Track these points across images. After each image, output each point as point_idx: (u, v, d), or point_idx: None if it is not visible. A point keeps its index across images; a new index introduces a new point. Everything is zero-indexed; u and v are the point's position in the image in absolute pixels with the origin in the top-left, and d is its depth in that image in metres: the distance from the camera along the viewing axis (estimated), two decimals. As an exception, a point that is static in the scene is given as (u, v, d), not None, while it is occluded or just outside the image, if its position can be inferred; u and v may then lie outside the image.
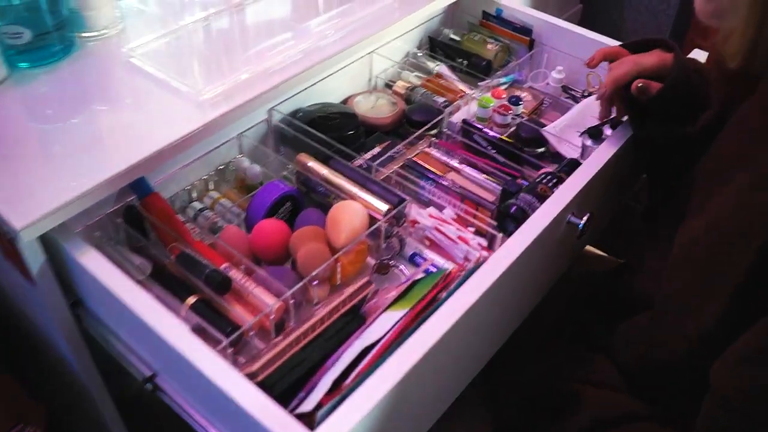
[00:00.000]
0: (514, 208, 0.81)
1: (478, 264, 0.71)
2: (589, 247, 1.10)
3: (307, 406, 0.60)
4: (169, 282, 0.77)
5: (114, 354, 0.76)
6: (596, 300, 0.94)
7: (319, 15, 0.99)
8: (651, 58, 0.83)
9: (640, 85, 0.81)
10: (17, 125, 0.81)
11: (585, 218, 0.80)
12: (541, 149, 1.00)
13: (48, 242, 0.72)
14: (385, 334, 0.66)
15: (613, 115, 0.91)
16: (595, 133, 0.93)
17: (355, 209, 0.83)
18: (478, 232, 0.88)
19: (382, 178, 0.93)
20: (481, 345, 0.80)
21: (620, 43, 0.95)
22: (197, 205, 0.89)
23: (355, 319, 0.72)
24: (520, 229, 0.74)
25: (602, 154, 0.85)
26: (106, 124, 0.81)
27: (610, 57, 0.89)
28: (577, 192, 0.79)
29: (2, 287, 0.90)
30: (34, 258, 0.72)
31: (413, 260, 0.88)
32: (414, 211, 0.90)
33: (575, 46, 1.13)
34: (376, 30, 0.98)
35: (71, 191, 0.70)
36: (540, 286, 0.89)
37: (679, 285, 0.72)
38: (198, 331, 0.72)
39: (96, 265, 0.69)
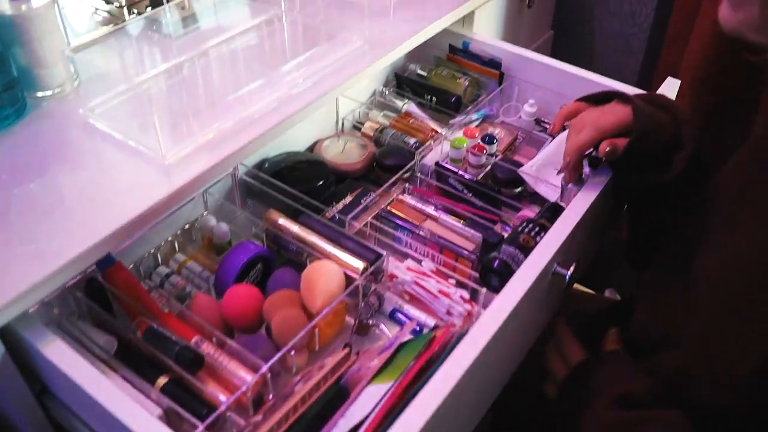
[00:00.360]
0: (497, 262, 0.78)
1: (466, 329, 0.67)
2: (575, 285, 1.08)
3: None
4: (136, 361, 0.71)
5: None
6: (593, 340, 0.91)
7: (287, 62, 0.94)
8: (610, 118, 0.81)
9: (608, 149, 0.79)
10: None
11: (572, 268, 0.76)
12: (519, 189, 0.97)
13: (6, 332, 0.66)
14: (371, 412, 0.62)
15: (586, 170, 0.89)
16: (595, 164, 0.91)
17: (331, 270, 0.79)
18: (460, 284, 0.84)
19: (355, 231, 0.89)
20: (475, 407, 0.77)
21: (583, 95, 0.91)
22: (163, 270, 0.84)
23: (337, 394, 0.68)
24: (507, 286, 0.71)
25: (584, 198, 0.82)
26: (65, 195, 0.75)
27: (570, 116, 0.87)
28: (562, 241, 0.76)
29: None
30: None
31: (394, 317, 0.84)
32: (392, 264, 0.86)
33: (546, 77, 1.11)
34: (348, 76, 0.94)
35: (30, 277, 0.64)
36: (528, 338, 0.85)
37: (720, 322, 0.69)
38: (172, 414, 0.68)
39: (58, 354, 0.64)
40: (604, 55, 1.63)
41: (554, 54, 1.63)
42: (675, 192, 0.82)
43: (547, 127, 1.10)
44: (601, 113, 0.82)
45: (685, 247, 0.76)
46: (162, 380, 0.69)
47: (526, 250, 0.77)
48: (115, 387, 0.62)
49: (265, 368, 0.69)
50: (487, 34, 1.30)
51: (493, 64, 1.14)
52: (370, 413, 0.62)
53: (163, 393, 0.68)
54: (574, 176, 0.86)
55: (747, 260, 0.66)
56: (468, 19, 1.23)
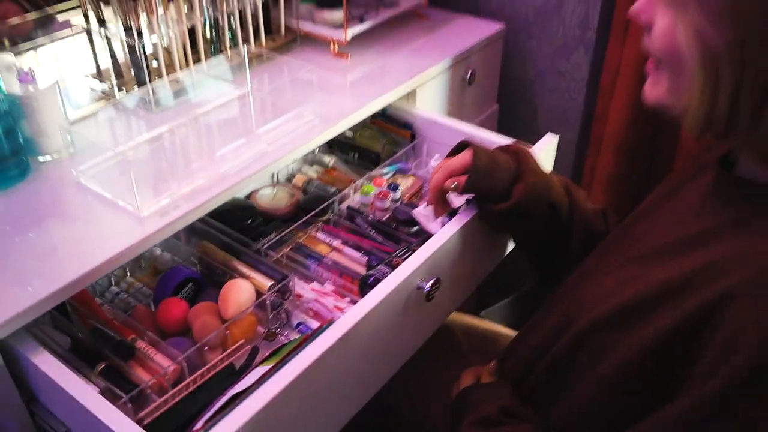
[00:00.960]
0: (372, 278, 0.98)
1: (329, 323, 0.87)
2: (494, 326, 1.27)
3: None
4: (84, 353, 0.92)
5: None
6: None
7: (249, 133, 1.14)
8: (457, 161, 1.01)
9: (452, 185, 0.99)
10: None
11: (431, 282, 0.96)
12: (415, 228, 1.18)
13: (3, 347, 0.85)
14: (252, 385, 0.82)
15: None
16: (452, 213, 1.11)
17: (242, 286, 1.00)
18: (353, 301, 1.04)
19: (274, 260, 1.10)
20: (340, 396, 0.93)
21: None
22: (114, 289, 1.06)
23: (232, 374, 0.88)
24: (368, 294, 0.91)
25: (450, 227, 1.03)
26: (56, 240, 0.95)
27: (449, 172, 1.03)
28: (422, 261, 0.96)
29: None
30: None
31: (299, 329, 1.04)
32: (299, 286, 1.07)
33: (450, 137, 1.32)
34: (297, 146, 1.13)
35: (25, 301, 0.83)
36: (402, 346, 1.03)
37: None
38: (107, 392, 0.87)
39: (46, 361, 0.83)
40: (544, 127, 1.82)
41: (500, 125, 1.82)
42: (524, 219, 1.01)
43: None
44: (452, 159, 1.03)
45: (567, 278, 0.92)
46: (100, 365, 0.89)
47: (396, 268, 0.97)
48: (83, 381, 0.81)
49: (181, 357, 0.90)
50: (431, 108, 1.48)
51: (407, 125, 1.36)
52: (251, 386, 0.82)
53: (100, 375, 0.88)
54: (439, 211, 1.06)
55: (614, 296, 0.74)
56: (412, 95, 1.44)
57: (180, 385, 0.85)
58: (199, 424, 0.78)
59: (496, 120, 1.79)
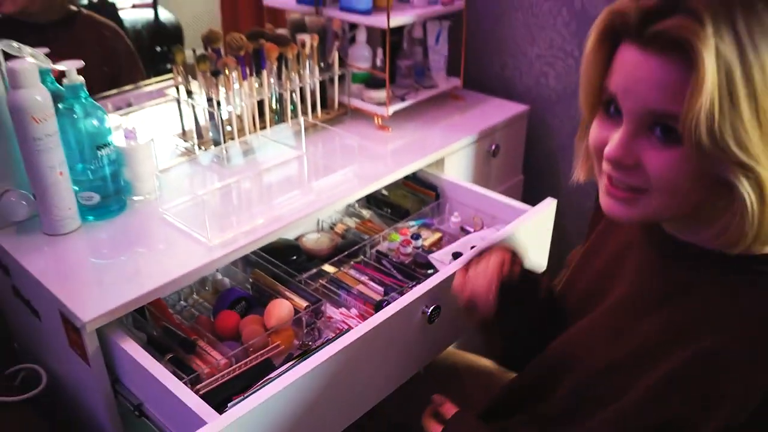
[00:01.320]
0: (385, 303, 1.22)
1: (344, 332, 1.12)
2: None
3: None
4: (156, 347, 1.18)
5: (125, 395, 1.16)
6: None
7: (301, 186, 1.43)
8: (496, 257, 1.02)
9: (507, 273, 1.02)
10: (85, 259, 1.24)
11: (432, 307, 1.19)
12: (431, 270, 1.42)
13: (100, 334, 1.12)
14: (279, 374, 1.06)
15: None
16: (457, 257, 1.35)
17: (283, 304, 1.25)
18: (372, 323, 1.28)
19: (312, 288, 1.36)
20: (347, 394, 1.13)
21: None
22: (183, 303, 1.33)
23: (269, 367, 1.13)
24: (378, 313, 1.15)
25: (455, 265, 1.26)
26: (142, 260, 1.23)
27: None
28: (426, 290, 1.19)
29: (57, 377, 1.32)
30: (92, 345, 1.11)
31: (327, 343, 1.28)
32: (330, 310, 1.32)
33: (470, 198, 1.58)
34: (337, 199, 1.41)
35: (119, 301, 1.11)
36: (405, 361, 1.24)
37: None
38: (173, 374, 1.13)
39: (131, 347, 1.10)
40: (567, 195, 2.05)
41: (524, 194, 2.06)
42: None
43: (469, 230, 1.55)
44: (483, 262, 1.04)
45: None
46: (168, 356, 1.15)
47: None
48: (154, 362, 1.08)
49: (230, 353, 1.15)
50: (457, 174, 1.74)
51: (432, 187, 1.62)
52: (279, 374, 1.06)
53: (168, 362, 1.14)
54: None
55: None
56: (440, 162, 1.71)
57: (227, 369, 1.10)
58: (237, 399, 1.03)
59: (521, 189, 2.03)
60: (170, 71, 1.58)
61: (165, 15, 2.41)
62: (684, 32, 0.64)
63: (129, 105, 1.74)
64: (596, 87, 0.77)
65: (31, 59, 1.18)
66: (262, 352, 1.15)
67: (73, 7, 1.72)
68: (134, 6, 2.45)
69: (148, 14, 2.43)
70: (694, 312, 0.78)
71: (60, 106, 1.24)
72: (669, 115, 0.68)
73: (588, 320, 0.93)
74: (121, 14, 2.29)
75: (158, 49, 2.42)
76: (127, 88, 1.78)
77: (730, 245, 0.72)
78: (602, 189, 0.79)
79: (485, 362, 1.41)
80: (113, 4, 2.23)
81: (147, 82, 1.84)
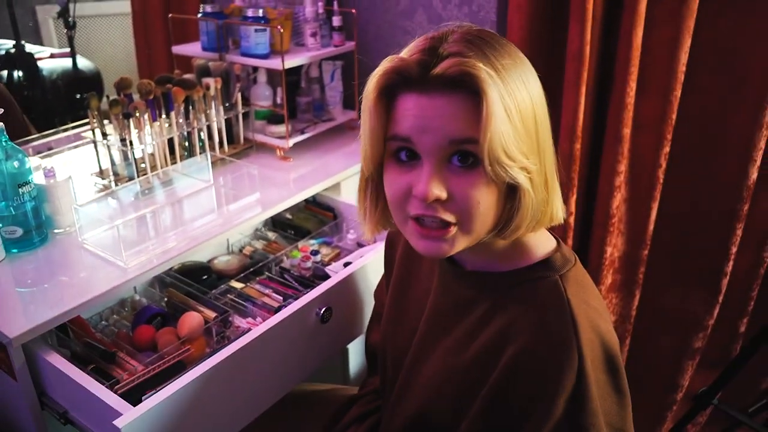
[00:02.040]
0: (282, 307, 1.39)
1: (243, 333, 1.28)
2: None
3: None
4: (78, 360, 1.32)
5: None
6: None
7: (210, 212, 1.59)
8: None
9: None
10: (10, 288, 1.36)
11: (323, 309, 1.37)
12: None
13: (26, 350, 1.25)
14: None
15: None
16: (347, 265, 1.53)
17: (194, 315, 1.41)
18: (275, 328, 1.45)
19: (221, 302, 1.52)
20: (249, 387, 1.28)
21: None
22: (104, 323, 1.47)
23: (181, 369, 1.28)
24: (275, 315, 1.32)
25: (342, 273, 1.44)
26: (64, 284, 1.36)
27: None
28: (317, 295, 1.37)
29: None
30: (18, 361, 1.24)
31: (236, 348, 1.44)
32: (237, 320, 1.48)
33: (364, 218, 1.77)
34: (243, 221, 1.57)
35: (42, 318, 1.24)
36: (302, 359, 1.41)
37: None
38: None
39: (56, 360, 1.24)
40: None
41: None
42: None
43: (364, 245, 1.74)
44: None
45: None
46: (90, 366, 1.29)
47: (300, 301, 1.39)
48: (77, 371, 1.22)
49: (148, 360, 1.30)
50: (354, 198, 1.92)
51: (330, 209, 1.80)
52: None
53: (91, 373, 1.28)
54: None
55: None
56: (337, 187, 1.89)
57: (143, 371, 1.25)
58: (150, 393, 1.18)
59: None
60: (88, 116, 1.73)
61: (84, 63, 2.56)
62: (466, 69, 0.78)
63: (49, 149, 1.88)
64: (381, 139, 0.86)
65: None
66: (174, 355, 1.31)
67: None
68: (53, 56, 2.59)
69: (67, 63, 2.57)
70: (497, 329, 0.89)
71: (-19, 150, 1.39)
72: (468, 140, 0.80)
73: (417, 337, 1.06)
74: (40, 64, 2.42)
75: (77, 96, 2.56)
76: (47, 132, 1.93)
77: (512, 233, 0.86)
78: (413, 234, 0.87)
79: (325, 386, 1.53)
80: (31, 54, 2.37)
81: (66, 126, 1.98)
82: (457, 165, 0.83)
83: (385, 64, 0.84)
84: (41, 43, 2.73)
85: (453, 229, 0.84)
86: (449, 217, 0.83)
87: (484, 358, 0.90)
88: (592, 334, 0.85)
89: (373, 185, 0.94)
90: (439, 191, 0.82)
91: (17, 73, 2.40)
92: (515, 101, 0.81)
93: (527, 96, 0.82)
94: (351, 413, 1.29)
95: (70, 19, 2.45)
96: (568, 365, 0.82)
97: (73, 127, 1.97)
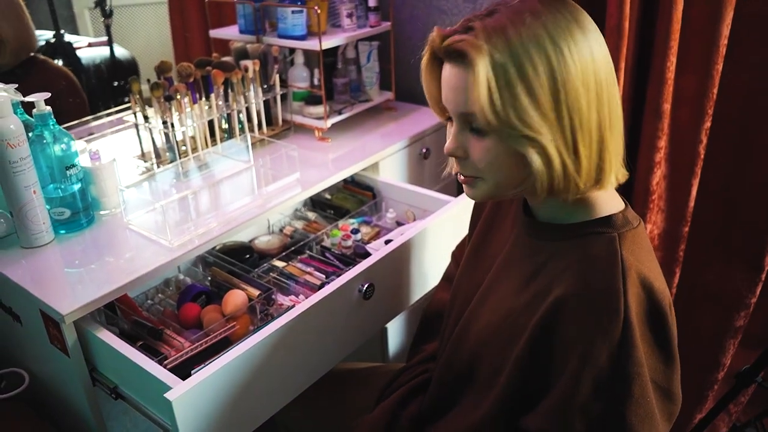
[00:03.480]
0: (326, 284, 1.41)
1: (288, 309, 1.30)
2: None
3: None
4: (127, 339, 1.35)
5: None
6: None
7: (251, 193, 1.61)
8: None
9: None
10: (59, 268, 1.39)
11: (366, 285, 1.38)
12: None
13: (77, 327, 1.29)
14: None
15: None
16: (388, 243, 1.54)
17: (238, 293, 1.43)
18: (318, 306, 1.46)
19: (264, 280, 1.54)
20: (294, 362, 1.30)
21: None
22: (150, 302, 1.50)
23: (227, 344, 1.31)
24: (318, 292, 1.33)
25: (384, 250, 1.45)
26: (111, 264, 1.39)
27: None
28: (359, 272, 1.38)
29: (39, 376, 1.48)
30: (71, 337, 1.28)
31: (279, 325, 1.46)
32: (280, 298, 1.50)
33: (403, 196, 1.78)
34: (282, 201, 1.59)
35: (92, 296, 1.27)
36: (346, 335, 1.42)
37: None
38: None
39: (106, 336, 1.27)
40: None
41: (459, 191, 2.25)
42: None
43: (403, 223, 1.75)
44: None
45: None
46: (139, 342, 1.32)
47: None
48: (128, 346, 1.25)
49: (194, 336, 1.32)
50: (392, 176, 1.94)
51: (369, 188, 1.81)
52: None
53: (139, 349, 1.31)
54: None
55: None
56: (375, 167, 1.90)
57: (190, 347, 1.27)
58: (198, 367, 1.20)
59: (455, 187, 2.22)
60: (126, 102, 1.75)
61: (120, 51, 2.60)
62: (461, 44, 0.85)
63: (90, 134, 1.92)
64: (437, 101, 0.97)
65: (3, 93, 1.35)
66: (220, 332, 1.33)
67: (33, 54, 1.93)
68: (90, 45, 2.63)
69: (104, 52, 2.61)
70: (550, 275, 0.93)
71: (30, 133, 1.42)
72: (469, 114, 0.88)
73: (478, 294, 1.09)
74: (79, 53, 2.47)
75: (115, 83, 2.60)
76: (87, 118, 1.96)
77: (533, 196, 0.95)
78: (460, 179, 0.99)
79: (364, 365, 1.56)
80: (70, 44, 2.41)
81: (110, 111, 2.02)
82: (473, 131, 0.91)
83: (431, 34, 0.92)
84: (77, 33, 2.78)
85: (477, 180, 0.94)
86: (468, 172, 0.94)
87: (534, 301, 0.93)
88: (641, 289, 0.87)
89: None
90: (454, 150, 0.93)
91: (58, 62, 2.44)
92: (525, 76, 0.84)
93: (544, 69, 0.84)
94: (400, 379, 1.31)
95: (107, 7, 2.49)
96: (613, 311, 0.84)
97: (116, 112, 2.00)
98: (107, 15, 2.51)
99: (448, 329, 1.18)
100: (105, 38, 2.56)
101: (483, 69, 0.83)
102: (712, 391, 1.97)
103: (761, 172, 1.68)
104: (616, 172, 0.92)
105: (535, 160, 0.86)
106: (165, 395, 1.09)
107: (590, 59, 0.86)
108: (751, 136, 1.67)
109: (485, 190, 0.95)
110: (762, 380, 1.68)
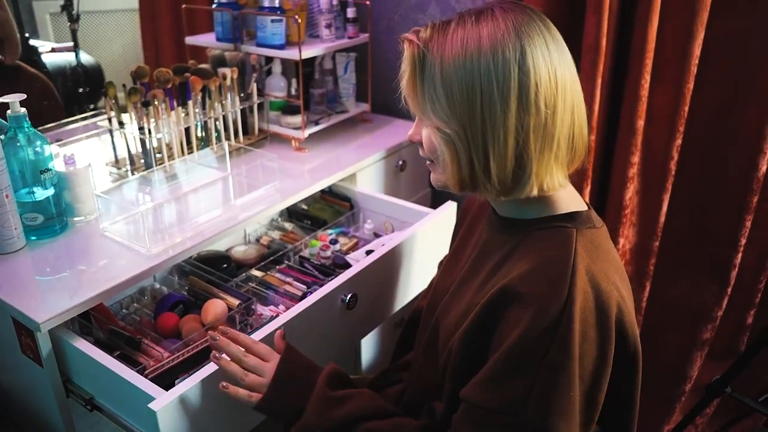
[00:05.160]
0: (308, 294, 1.40)
1: (270, 320, 1.28)
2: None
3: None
4: (104, 347, 1.32)
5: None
6: None
7: (228, 202, 1.59)
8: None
9: None
10: (29, 275, 1.35)
11: (350, 295, 1.37)
12: (348, 269, 1.60)
13: (52, 336, 1.24)
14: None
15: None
16: (369, 253, 1.54)
17: (218, 302, 1.41)
18: (298, 316, 1.45)
19: (243, 290, 1.52)
20: None
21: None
22: (125, 311, 1.47)
23: (206, 352, 1.28)
24: (302, 301, 1.32)
25: (366, 260, 1.45)
26: (85, 272, 1.35)
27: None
28: (342, 282, 1.37)
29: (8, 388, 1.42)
30: (45, 347, 1.23)
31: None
32: (260, 308, 1.48)
33: (381, 207, 1.77)
34: (259, 212, 1.57)
35: (69, 304, 1.23)
36: (326, 347, 1.41)
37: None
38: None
39: (83, 345, 1.23)
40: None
41: (434, 204, 2.25)
42: None
43: (381, 234, 1.75)
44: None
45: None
46: (116, 352, 1.29)
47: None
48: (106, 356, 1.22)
49: (173, 347, 1.30)
50: (369, 187, 1.93)
51: (347, 199, 1.81)
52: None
53: (117, 358, 1.28)
54: None
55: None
56: (353, 177, 1.89)
57: (171, 357, 1.25)
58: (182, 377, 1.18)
59: (429, 199, 2.23)
60: (92, 110, 1.71)
61: (85, 57, 2.55)
62: (405, 35, 0.93)
63: (59, 140, 1.87)
64: None
65: (-22, 95, 1.31)
66: (200, 342, 1.30)
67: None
68: (54, 50, 2.57)
69: (69, 57, 2.55)
70: (509, 266, 0.95)
71: (3, 136, 1.38)
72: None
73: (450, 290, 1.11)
74: (43, 58, 2.41)
75: (80, 89, 2.55)
76: (62, 121, 1.92)
77: (444, 187, 0.99)
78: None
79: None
80: (35, 48, 2.36)
81: (85, 115, 1.98)
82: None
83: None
84: (38, 39, 2.72)
85: (433, 165, 1.00)
86: (424, 157, 1.01)
87: (489, 290, 0.94)
88: (589, 287, 0.88)
89: None
90: (412, 135, 1.00)
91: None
92: (443, 68, 0.89)
93: (469, 71, 0.87)
94: (377, 384, 1.32)
95: (73, 12, 2.44)
96: (554, 298, 0.86)
97: (92, 116, 1.96)
98: (74, 20, 2.46)
99: (423, 329, 1.20)
100: (70, 44, 2.51)
101: (409, 57, 0.92)
102: (680, 403, 2.00)
103: (729, 188, 1.72)
104: (549, 181, 0.93)
105: (443, 152, 0.92)
106: (149, 405, 1.06)
107: (517, 71, 0.86)
108: (720, 152, 1.71)
109: (436, 178, 1.00)
110: (731, 391, 1.72)
